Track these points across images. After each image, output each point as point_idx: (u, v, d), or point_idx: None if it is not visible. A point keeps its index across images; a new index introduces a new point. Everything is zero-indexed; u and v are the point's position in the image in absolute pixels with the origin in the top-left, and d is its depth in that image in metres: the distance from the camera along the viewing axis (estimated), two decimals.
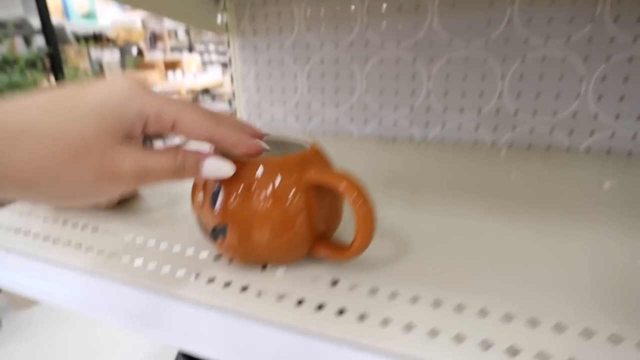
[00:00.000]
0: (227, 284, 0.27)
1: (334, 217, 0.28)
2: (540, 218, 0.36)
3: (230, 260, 0.29)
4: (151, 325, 0.25)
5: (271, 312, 0.24)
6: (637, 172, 0.49)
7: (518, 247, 0.31)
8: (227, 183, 0.25)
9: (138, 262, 0.30)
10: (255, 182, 0.25)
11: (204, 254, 0.31)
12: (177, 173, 0.23)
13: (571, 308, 0.24)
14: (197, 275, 0.28)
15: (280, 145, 0.31)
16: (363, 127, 0.68)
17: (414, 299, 0.25)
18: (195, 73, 3.65)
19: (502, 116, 0.60)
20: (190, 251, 0.31)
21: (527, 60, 0.56)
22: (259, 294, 0.26)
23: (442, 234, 0.33)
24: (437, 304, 0.24)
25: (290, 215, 0.25)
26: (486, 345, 0.21)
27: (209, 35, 4.59)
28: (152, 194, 0.43)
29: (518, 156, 0.55)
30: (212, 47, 4.55)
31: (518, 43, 0.56)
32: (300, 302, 0.25)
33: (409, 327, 0.22)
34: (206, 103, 2.67)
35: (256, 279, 0.27)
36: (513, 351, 0.21)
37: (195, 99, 3.39)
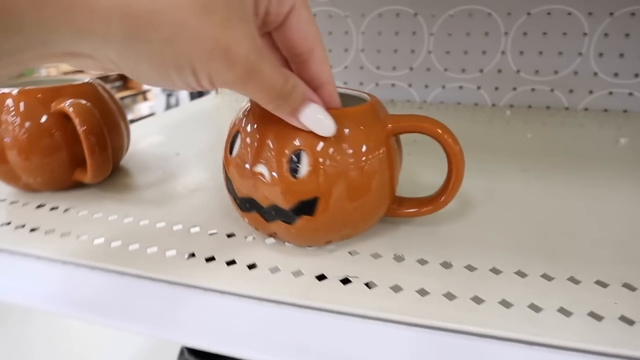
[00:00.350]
0: (278, 270, 0.22)
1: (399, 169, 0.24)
2: (569, 175, 0.34)
3: (278, 241, 0.25)
4: (173, 329, 0.21)
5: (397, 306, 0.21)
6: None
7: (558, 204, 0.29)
8: (310, 143, 0.20)
9: (152, 249, 0.25)
10: (347, 140, 0.20)
11: (225, 234, 0.26)
12: (280, 97, 0.18)
13: (611, 264, 0.22)
14: (232, 262, 0.23)
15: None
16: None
17: (495, 270, 0.22)
18: None
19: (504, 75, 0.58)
20: (216, 231, 0.26)
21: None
22: (356, 284, 0.21)
23: (477, 196, 0.31)
24: (521, 273, 0.22)
25: (383, 175, 0.21)
26: (535, 307, 0.19)
27: None
28: (139, 168, 0.37)
29: (520, 116, 0.54)
30: None
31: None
32: (398, 289, 0.21)
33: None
34: None
35: (327, 263, 0.23)
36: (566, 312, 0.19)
37: None
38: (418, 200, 0.25)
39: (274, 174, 0.20)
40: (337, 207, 0.21)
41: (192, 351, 0.38)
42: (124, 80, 3.04)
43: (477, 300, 0.20)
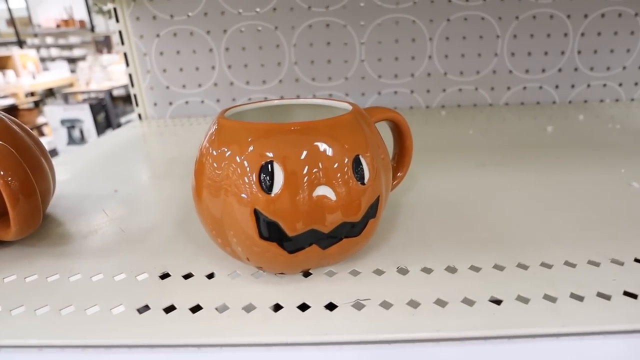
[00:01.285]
0: (306, 307, 0.20)
1: None
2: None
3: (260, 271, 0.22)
4: None
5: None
6: (550, 117, 0.54)
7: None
8: (362, 146, 0.20)
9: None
10: (370, 133, 0.21)
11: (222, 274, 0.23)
12: None
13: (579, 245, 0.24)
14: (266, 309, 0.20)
15: (310, 109, 0.26)
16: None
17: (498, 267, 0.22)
18: (33, 72, 3.04)
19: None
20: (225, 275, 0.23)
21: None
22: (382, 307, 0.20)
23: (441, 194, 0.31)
24: (523, 266, 0.22)
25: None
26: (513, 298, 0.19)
27: (42, 26, 3.83)
28: (72, 213, 0.32)
29: (451, 114, 0.57)
30: (50, 40, 3.82)
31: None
32: (414, 305, 0.20)
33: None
34: (59, 106, 2.23)
35: (336, 291, 0.21)
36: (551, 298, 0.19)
37: (39, 103, 2.84)
38: None
39: (342, 189, 0.19)
40: (384, 200, 0.22)
41: None
42: (9, 112, 2.70)
43: (497, 301, 0.19)
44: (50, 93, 3.07)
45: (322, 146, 0.19)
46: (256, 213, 0.19)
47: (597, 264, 0.21)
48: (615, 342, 0.17)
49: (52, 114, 2.33)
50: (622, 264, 0.21)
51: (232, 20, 0.57)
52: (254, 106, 0.25)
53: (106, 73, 2.66)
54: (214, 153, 0.20)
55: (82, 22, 4.28)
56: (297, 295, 0.20)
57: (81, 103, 2.36)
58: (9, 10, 3.96)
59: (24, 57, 3.05)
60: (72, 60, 3.65)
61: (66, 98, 2.56)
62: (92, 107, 2.35)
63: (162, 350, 0.18)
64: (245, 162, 0.19)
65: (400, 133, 0.26)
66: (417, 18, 0.57)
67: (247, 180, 0.18)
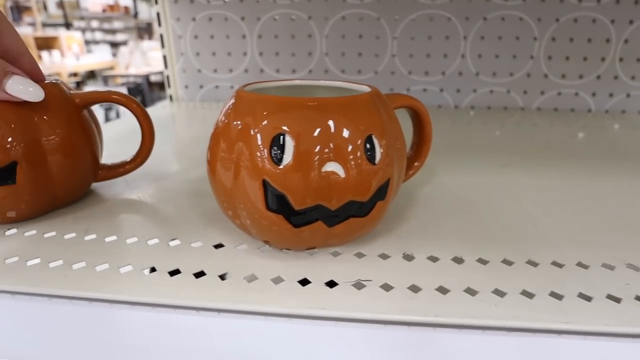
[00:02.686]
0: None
1: None
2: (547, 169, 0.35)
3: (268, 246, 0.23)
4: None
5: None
6: (587, 125, 0.52)
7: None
8: (375, 127, 0.20)
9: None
10: (388, 117, 0.21)
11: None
12: None
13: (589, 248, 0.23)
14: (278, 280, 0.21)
15: (330, 91, 0.26)
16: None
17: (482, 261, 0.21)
18: (77, 54, 3.17)
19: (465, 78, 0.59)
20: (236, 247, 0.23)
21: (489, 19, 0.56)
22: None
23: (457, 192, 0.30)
24: (533, 263, 0.21)
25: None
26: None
27: (89, 10, 3.99)
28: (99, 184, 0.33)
29: (480, 115, 0.56)
30: (95, 23, 3.98)
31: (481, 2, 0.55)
32: (415, 289, 0.20)
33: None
34: (98, 87, 2.32)
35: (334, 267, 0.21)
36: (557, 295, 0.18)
37: (80, 84, 2.96)
38: None
39: (351, 167, 0.19)
40: (395, 184, 0.22)
41: None
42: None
43: (500, 293, 0.19)
44: (91, 75, 3.20)
45: (335, 123, 0.19)
46: (265, 184, 0.19)
47: (611, 267, 0.21)
48: (621, 345, 0.17)
49: None
50: (638, 269, 0.20)
51: (266, 8, 0.58)
52: (274, 84, 0.25)
53: (145, 58, 2.74)
54: (230, 125, 0.20)
55: (126, 8, 4.43)
56: (299, 271, 0.20)
57: (119, 86, 2.44)
58: None
59: (70, 39, 3.19)
60: (114, 45, 3.79)
61: (105, 80, 2.66)
62: (129, 90, 2.44)
63: (162, 309, 0.18)
64: (258, 134, 0.19)
65: (419, 122, 0.26)
66: (453, 15, 0.56)
67: (258, 152, 0.19)
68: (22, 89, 0.22)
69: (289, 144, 0.18)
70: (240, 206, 0.20)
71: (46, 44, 3.12)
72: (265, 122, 0.19)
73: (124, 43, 3.74)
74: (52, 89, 0.25)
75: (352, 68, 0.60)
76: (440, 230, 0.24)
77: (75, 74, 3.09)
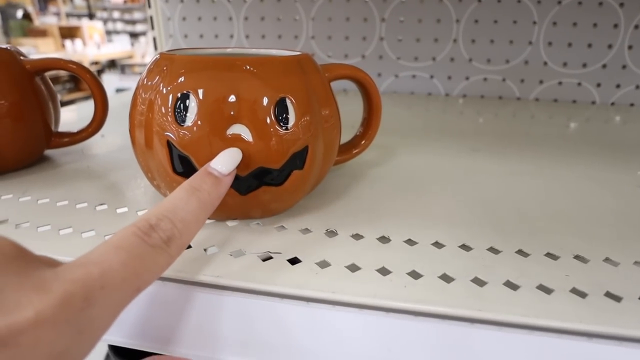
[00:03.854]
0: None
1: None
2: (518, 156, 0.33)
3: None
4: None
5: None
6: (588, 116, 0.49)
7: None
8: (291, 89, 0.18)
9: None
10: (315, 85, 0.20)
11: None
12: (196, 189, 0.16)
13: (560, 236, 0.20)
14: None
15: None
16: None
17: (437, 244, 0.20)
18: (98, 43, 3.24)
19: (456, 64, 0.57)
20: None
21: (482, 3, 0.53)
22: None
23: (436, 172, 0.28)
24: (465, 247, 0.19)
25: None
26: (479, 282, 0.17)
27: (111, 2, 4.07)
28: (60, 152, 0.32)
29: (472, 104, 0.53)
30: (116, 14, 4.05)
31: None
32: (323, 265, 0.18)
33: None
34: (115, 75, 2.37)
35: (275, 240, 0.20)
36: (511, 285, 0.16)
37: (101, 71, 3.02)
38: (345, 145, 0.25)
39: (259, 131, 0.17)
40: (320, 156, 0.20)
41: (117, 350, 0.33)
42: (75, 82, 2.89)
43: (415, 275, 0.17)
44: (112, 64, 3.25)
45: (242, 83, 0.17)
46: (169, 146, 0.18)
47: (555, 257, 0.19)
48: (539, 338, 0.15)
49: (109, 83, 2.47)
50: (586, 261, 0.18)
51: None
52: (207, 51, 0.24)
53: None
54: (143, 86, 0.19)
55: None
56: (208, 240, 0.19)
57: (136, 74, 2.48)
58: None
59: (91, 29, 3.26)
60: (133, 35, 3.85)
61: (123, 69, 2.70)
62: None
63: None
64: (165, 93, 0.18)
65: (366, 94, 0.24)
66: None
67: (163, 111, 0.18)
68: (230, 160, 0.17)
69: (193, 103, 0.17)
70: (153, 169, 0.20)
71: (69, 33, 3.20)
72: (172, 83, 0.18)
73: (143, 34, 3.80)
74: (3, 55, 0.25)
75: (339, 52, 0.58)
76: (378, 210, 0.23)
77: (96, 63, 3.15)
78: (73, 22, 3.33)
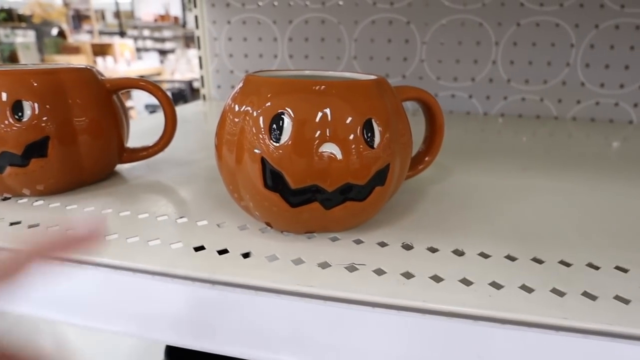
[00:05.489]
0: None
1: None
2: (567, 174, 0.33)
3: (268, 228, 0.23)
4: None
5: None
6: (627, 136, 0.49)
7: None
8: (376, 110, 0.20)
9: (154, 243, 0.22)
10: (392, 106, 0.21)
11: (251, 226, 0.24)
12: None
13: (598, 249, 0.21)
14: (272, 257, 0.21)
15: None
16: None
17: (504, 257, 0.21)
18: (129, 60, 3.36)
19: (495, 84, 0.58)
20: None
21: (522, 25, 0.55)
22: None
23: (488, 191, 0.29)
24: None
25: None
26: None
27: (142, 20, 4.25)
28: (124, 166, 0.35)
29: (510, 123, 0.54)
30: (146, 32, 4.23)
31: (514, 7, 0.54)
32: (408, 276, 0.19)
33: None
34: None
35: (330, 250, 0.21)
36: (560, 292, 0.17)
37: None
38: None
39: (348, 149, 0.19)
40: (397, 173, 0.21)
41: (172, 351, 0.35)
42: None
43: (497, 285, 0.18)
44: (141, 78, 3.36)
45: (333, 105, 0.19)
46: (263, 162, 0.19)
47: (625, 270, 0.19)
48: (625, 346, 0.16)
49: (139, 99, 2.56)
50: None
51: (298, 12, 0.59)
52: (285, 73, 0.26)
53: (190, 65, 2.87)
54: (235, 108, 0.21)
55: (176, 18, 4.67)
56: (294, 251, 0.21)
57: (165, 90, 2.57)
58: (117, 4, 4.45)
59: (123, 46, 3.39)
60: (163, 52, 4.00)
61: None
62: (173, 95, 2.55)
63: (160, 278, 0.19)
64: (260, 114, 0.20)
65: (430, 114, 0.26)
66: (485, 20, 0.55)
67: (258, 131, 0.19)
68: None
69: (288, 123, 0.19)
70: (242, 186, 0.21)
71: (101, 50, 3.34)
72: (266, 103, 0.20)
73: (172, 51, 3.94)
74: (85, 74, 0.27)
75: (380, 72, 0.60)
76: (445, 224, 0.24)
77: None
78: (105, 39, 3.48)
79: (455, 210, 0.26)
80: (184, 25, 4.65)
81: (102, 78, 0.29)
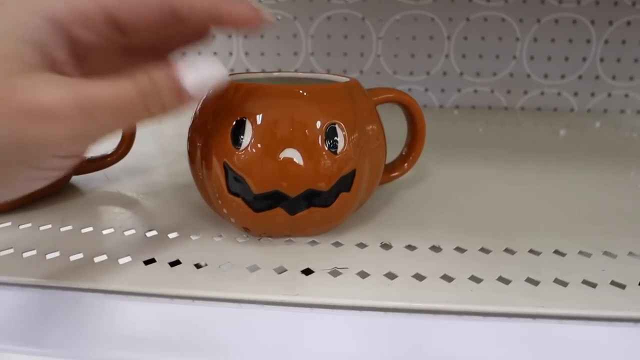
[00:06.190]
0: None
1: None
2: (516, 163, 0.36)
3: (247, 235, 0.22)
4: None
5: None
6: (569, 124, 0.53)
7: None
8: (340, 115, 0.20)
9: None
10: (363, 109, 0.21)
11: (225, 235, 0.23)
12: (146, 99, 0.14)
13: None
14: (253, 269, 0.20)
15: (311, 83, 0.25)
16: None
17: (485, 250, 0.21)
18: None
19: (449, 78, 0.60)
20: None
21: (471, 20, 0.57)
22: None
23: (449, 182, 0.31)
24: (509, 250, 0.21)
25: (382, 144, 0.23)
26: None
27: None
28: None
29: (465, 114, 0.56)
30: None
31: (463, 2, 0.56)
32: (392, 276, 0.19)
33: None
34: None
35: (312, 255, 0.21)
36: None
37: None
38: (388, 168, 0.26)
39: (310, 154, 0.19)
40: (366, 179, 0.21)
41: None
42: None
43: (476, 279, 0.19)
44: None
45: (297, 110, 0.19)
46: (225, 167, 0.19)
47: (588, 255, 0.21)
48: (597, 328, 0.17)
49: None
50: (614, 256, 0.21)
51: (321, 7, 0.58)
52: (256, 76, 0.25)
53: None
54: (203, 112, 0.21)
55: None
56: (275, 259, 0.20)
57: None
58: None
59: None
60: None
61: None
62: None
63: (135, 298, 0.18)
64: (223, 119, 0.19)
65: (410, 116, 0.25)
66: (436, 16, 0.57)
67: (221, 136, 0.19)
68: (204, 78, 0.15)
69: (249, 129, 0.19)
70: (211, 191, 0.21)
71: None
72: (229, 108, 0.19)
73: None
74: None
75: (337, 67, 0.60)
76: (420, 221, 0.25)
77: None
78: None
79: (427, 206, 0.27)
80: None
81: None
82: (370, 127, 0.21)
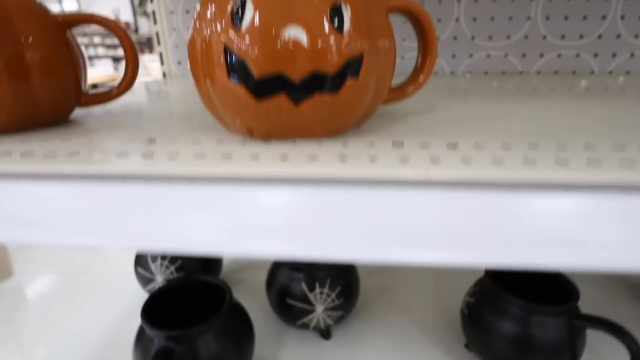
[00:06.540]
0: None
1: None
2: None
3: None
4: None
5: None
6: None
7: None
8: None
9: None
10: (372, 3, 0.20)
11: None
12: None
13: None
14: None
15: None
16: None
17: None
18: None
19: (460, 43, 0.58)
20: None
21: None
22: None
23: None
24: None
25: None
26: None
27: (92, 27, 4.07)
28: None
29: (477, 80, 0.54)
30: (97, 39, 4.05)
31: None
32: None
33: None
34: None
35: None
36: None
37: None
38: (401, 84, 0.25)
39: (316, 34, 0.17)
40: (374, 67, 0.20)
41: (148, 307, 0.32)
42: None
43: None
44: (94, 87, 3.23)
45: None
46: (226, 52, 0.18)
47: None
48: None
49: None
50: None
51: None
52: None
53: (146, 70, 2.78)
54: (202, 7, 0.20)
55: (127, 24, 4.52)
56: (279, 150, 0.19)
57: None
58: (62, 10, 4.27)
59: None
60: (116, 59, 3.85)
61: None
62: None
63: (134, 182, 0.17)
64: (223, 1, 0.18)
65: (421, 29, 0.24)
66: None
67: (221, 18, 0.18)
68: None
69: (249, 7, 0.18)
70: (213, 91, 0.20)
71: None
72: None
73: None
74: (32, 4, 0.25)
75: None
76: (437, 129, 0.23)
77: None
78: None
79: (442, 122, 0.25)
80: (136, 30, 4.49)
81: (53, 13, 0.27)
82: (380, 27, 0.20)
